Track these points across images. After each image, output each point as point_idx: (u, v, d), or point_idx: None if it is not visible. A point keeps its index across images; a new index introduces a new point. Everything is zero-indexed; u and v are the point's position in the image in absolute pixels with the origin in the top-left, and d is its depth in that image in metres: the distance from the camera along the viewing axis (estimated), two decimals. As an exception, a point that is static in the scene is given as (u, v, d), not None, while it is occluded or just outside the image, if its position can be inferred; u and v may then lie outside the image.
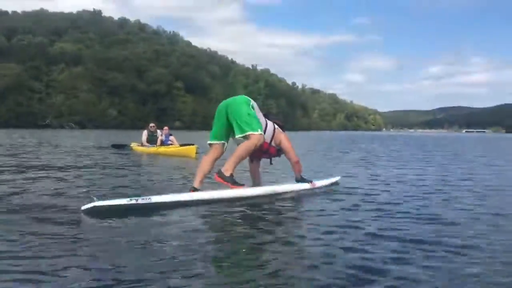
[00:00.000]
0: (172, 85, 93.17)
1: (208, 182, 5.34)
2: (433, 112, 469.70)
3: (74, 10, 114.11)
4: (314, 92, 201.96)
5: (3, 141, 19.11)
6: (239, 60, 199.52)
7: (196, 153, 11.10)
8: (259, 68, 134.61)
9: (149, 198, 4.02)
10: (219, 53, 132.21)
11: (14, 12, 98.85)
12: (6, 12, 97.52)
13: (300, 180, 5.55)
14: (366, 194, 5.13)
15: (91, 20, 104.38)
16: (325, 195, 5.16)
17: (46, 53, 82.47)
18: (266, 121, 5.25)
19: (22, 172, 6.86)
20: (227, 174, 4.78)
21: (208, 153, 5.17)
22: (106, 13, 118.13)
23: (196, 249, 2.75)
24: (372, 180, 6.66)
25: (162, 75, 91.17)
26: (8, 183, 5.47)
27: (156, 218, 3.65)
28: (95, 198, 3.80)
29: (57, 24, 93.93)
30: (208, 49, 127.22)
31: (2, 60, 75.46)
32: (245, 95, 5.34)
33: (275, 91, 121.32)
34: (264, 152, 5.28)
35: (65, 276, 2.25)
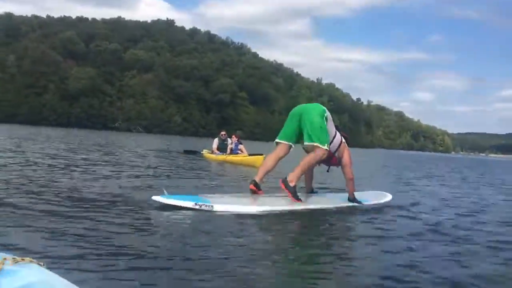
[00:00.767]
0: (236, 95, 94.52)
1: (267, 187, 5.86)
2: (506, 136, 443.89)
3: (149, 19, 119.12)
4: (380, 108, 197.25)
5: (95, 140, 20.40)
6: (305, 73, 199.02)
7: None
8: (324, 82, 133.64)
9: (212, 206, 4.37)
10: (285, 65, 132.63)
11: (94, 19, 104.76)
12: (86, 19, 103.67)
13: (352, 200, 5.54)
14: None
15: (164, 29, 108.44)
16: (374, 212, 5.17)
17: (120, 59, 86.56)
18: (336, 132, 5.54)
19: (108, 167, 8.06)
20: (292, 184, 5.06)
21: (273, 152, 5.48)
22: (179, 23, 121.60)
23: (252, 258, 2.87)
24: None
25: (227, 85, 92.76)
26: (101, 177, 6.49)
27: (215, 221, 3.92)
28: (165, 191, 4.36)
29: (132, 31, 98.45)
30: (274, 61, 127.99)
31: (80, 64, 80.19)
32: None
33: (339, 105, 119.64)
34: (326, 159, 5.44)
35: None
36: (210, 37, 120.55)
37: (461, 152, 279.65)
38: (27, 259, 1.10)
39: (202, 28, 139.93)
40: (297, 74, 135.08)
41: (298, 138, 5.44)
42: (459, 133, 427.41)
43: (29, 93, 73.65)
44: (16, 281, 0.98)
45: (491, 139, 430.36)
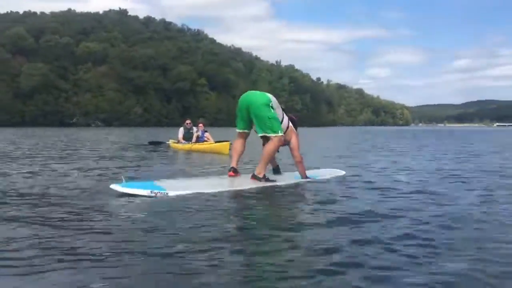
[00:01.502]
0: (196, 82, 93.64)
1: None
2: (462, 106, 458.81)
3: (101, 10, 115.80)
4: (340, 87, 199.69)
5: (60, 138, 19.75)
6: (264, 56, 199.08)
7: (230, 149, 11.00)
8: (283, 64, 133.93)
9: (167, 193, 4.47)
10: (243, 49, 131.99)
11: (42, 13, 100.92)
12: (34, 13, 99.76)
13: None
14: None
15: (117, 20, 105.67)
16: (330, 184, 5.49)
17: (73, 52, 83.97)
18: (283, 115, 5.77)
19: (70, 163, 7.99)
20: (261, 176, 5.41)
21: (238, 138, 5.89)
22: (133, 12, 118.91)
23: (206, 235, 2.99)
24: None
25: (186, 73, 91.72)
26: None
27: (173, 204, 4.08)
28: (123, 180, 4.55)
29: (83, 24, 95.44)
30: (232, 46, 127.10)
31: (30, 60, 77.32)
32: (269, 91, 6.02)
33: (300, 87, 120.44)
34: None
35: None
36: (165, 25, 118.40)
37: (420, 124, 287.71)
38: None
39: (158, 16, 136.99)
40: (257, 58, 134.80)
41: (252, 125, 5.73)
42: (417, 106, 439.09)
43: (-21, 94, 70.58)
44: None
45: (447, 109, 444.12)
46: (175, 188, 4.62)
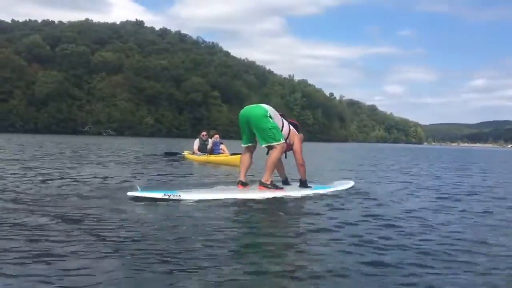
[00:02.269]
0: (209, 94, 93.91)
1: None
2: (477, 125, 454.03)
3: (118, 21, 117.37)
4: (353, 103, 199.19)
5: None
6: (278, 71, 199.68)
7: None
8: (296, 78, 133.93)
9: (179, 195, 4.87)
10: (257, 63, 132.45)
11: (60, 22, 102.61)
12: (52, 22, 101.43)
13: (304, 183, 6.08)
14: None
15: (133, 31, 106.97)
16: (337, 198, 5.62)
17: (88, 61, 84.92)
18: (282, 121, 5.98)
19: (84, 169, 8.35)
20: (268, 183, 5.70)
21: (244, 152, 6.10)
22: (150, 24, 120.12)
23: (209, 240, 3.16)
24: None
25: (199, 85, 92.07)
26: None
27: (183, 209, 4.40)
28: (138, 188, 4.89)
29: (100, 34, 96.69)
30: (245, 59, 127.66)
31: (46, 68, 78.36)
32: (281, 105, 6.20)
33: (312, 101, 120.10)
34: None
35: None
36: (180, 37, 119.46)
37: (433, 143, 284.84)
38: None
39: (175, 28, 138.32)
40: (270, 72, 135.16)
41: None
42: (431, 124, 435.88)
43: (-5, 100, 71.55)
44: None
45: (462, 128, 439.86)
46: (188, 195, 4.96)
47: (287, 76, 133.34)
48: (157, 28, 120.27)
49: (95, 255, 2.72)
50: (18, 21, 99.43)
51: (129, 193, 4.86)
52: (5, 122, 69.47)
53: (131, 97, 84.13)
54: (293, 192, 5.79)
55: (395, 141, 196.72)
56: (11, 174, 7.22)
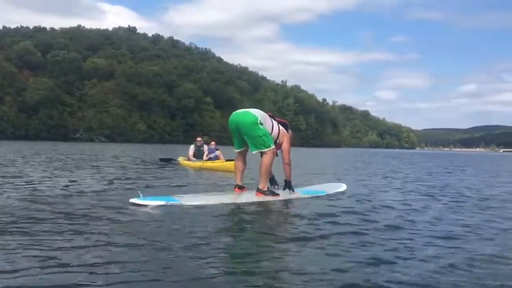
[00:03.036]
0: (201, 100, 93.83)
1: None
2: (469, 130, 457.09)
3: (111, 27, 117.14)
4: (346, 108, 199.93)
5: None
6: (271, 77, 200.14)
7: None
8: (289, 84, 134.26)
9: (180, 203, 4.96)
10: (250, 69, 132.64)
11: (52, 29, 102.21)
12: (44, 29, 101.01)
13: (287, 185, 6.16)
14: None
15: (125, 37, 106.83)
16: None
17: (79, 68, 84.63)
18: (272, 122, 6.04)
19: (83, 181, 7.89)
20: (265, 189, 5.80)
21: (237, 157, 6.22)
22: (143, 31, 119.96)
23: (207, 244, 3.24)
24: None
25: (191, 90, 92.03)
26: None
27: (183, 214, 4.47)
28: (140, 195, 5.04)
29: (91, 40, 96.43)
30: (238, 65, 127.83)
31: (37, 74, 78.01)
32: (274, 111, 6.52)
33: (305, 107, 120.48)
34: None
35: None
36: (173, 43, 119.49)
37: (426, 148, 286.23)
38: None
39: (168, 35, 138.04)
40: (262, 78, 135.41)
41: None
42: (424, 129, 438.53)
43: (-15, 107, 71.07)
44: None
45: (454, 133, 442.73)
46: (188, 200, 5.09)
47: (280, 82, 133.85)
48: (149, 34, 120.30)
49: (97, 260, 2.78)
50: (9, 28, 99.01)
51: (131, 200, 4.99)
52: (-5, 129, 69.03)
53: (123, 104, 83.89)
54: (288, 196, 5.93)
55: (388, 146, 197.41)
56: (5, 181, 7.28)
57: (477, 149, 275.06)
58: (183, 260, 2.80)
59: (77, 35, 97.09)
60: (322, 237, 3.57)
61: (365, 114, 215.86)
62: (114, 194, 5.95)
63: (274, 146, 5.84)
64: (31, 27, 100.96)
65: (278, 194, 5.85)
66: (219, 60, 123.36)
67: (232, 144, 6.34)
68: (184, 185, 7.51)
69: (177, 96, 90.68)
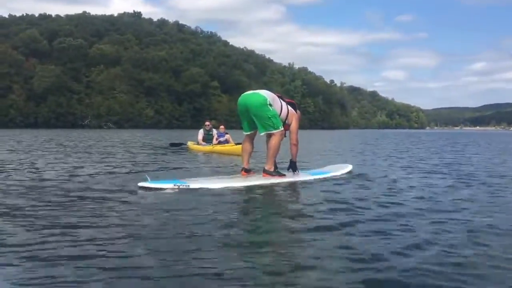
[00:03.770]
0: (208, 84, 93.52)
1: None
2: (479, 109, 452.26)
3: (116, 13, 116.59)
4: (354, 89, 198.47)
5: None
6: (279, 59, 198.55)
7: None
8: (296, 66, 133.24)
9: (188, 185, 5.04)
10: (256, 52, 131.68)
11: (57, 16, 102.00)
12: (49, 16, 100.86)
13: (294, 164, 6.16)
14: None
15: (131, 22, 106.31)
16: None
17: (85, 55, 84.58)
18: (281, 103, 6.03)
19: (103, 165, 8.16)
20: (271, 170, 5.85)
21: (245, 140, 6.20)
22: (149, 16, 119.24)
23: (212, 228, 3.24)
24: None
25: (198, 75, 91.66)
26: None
27: (191, 197, 4.52)
28: (148, 178, 5.07)
29: (97, 26, 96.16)
30: (244, 48, 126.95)
31: (43, 62, 78.13)
32: (282, 93, 6.43)
33: (312, 89, 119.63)
34: None
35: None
36: (179, 28, 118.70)
37: (436, 127, 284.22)
38: None
39: (174, 19, 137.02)
40: (269, 60, 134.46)
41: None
42: (433, 109, 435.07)
43: (-7, 96, 71.53)
44: None
45: (464, 112, 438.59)
46: (196, 183, 5.15)
47: (287, 65, 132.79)
48: (155, 19, 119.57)
49: (108, 241, 2.85)
50: (15, 16, 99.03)
51: (140, 184, 5.04)
52: (4, 117, 69.53)
53: (130, 89, 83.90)
54: (295, 178, 5.93)
55: (397, 126, 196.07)
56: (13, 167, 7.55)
57: (488, 128, 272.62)
58: (189, 243, 2.81)
59: (83, 21, 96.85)
60: (329, 218, 3.55)
61: (374, 95, 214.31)
62: (124, 178, 6.03)
63: (282, 128, 5.84)
64: (36, 15, 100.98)
65: (284, 175, 5.87)
66: (225, 43, 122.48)
67: (240, 127, 6.35)
68: (193, 169, 7.58)
69: (184, 81, 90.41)
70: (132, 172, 6.81)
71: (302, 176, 6.06)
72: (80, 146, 15.71)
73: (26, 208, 3.88)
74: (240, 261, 2.49)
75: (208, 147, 12.85)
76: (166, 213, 3.74)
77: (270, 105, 5.78)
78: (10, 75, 73.12)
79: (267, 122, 5.75)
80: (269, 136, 5.89)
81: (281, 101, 6.09)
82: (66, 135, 31.31)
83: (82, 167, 7.58)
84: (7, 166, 7.69)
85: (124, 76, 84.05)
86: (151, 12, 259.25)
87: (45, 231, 3.09)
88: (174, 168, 7.72)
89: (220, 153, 11.87)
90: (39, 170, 7.08)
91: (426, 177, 6.58)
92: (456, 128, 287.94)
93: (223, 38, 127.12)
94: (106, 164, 8.20)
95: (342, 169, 6.71)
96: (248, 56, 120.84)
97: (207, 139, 13.50)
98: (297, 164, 6.31)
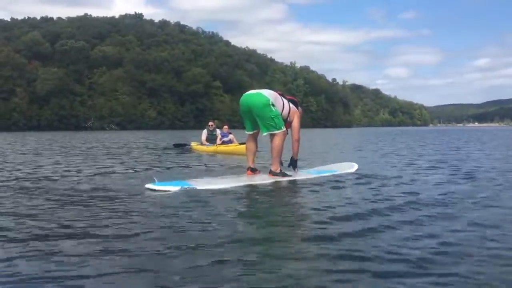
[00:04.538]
0: (210, 84, 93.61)
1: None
2: (482, 105, 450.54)
3: (117, 15, 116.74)
4: (356, 87, 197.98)
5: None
6: (281, 58, 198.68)
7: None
8: (298, 65, 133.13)
9: (195, 187, 5.02)
10: (258, 51, 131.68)
11: (59, 18, 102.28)
12: (51, 19, 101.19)
13: (293, 163, 6.18)
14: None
15: (132, 24, 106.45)
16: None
17: (87, 56, 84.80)
18: (283, 101, 6.05)
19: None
20: (278, 171, 5.86)
21: (249, 139, 6.23)
22: (150, 17, 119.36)
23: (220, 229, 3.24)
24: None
25: (200, 75, 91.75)
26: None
27: (198, 198, 4.48)
28: (156, 180, 5.09)
29: (99, 28, 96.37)
30: (246, 48, 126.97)
31: (45, 64, 78.35)
32: (284, 93, 6.36)
33: (315, 88, 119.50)
34: None
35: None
36: (180, 28, 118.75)
37: (439, 124, 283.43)
38: None
39: (175, 20, 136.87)
40: (271, 60, 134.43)
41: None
42: (436, 106, 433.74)
43: (-4, 99, 71.79)
44: None
45: (468, 109, 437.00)
46: (202, 185, 5.15)
47: (289, 64, 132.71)
48: (156, 20, 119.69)
49: (117, 240, 2.88)
50: (17, 19, 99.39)
51: (147, 185, 5.08)
52: (8, 120, 69.80)
53: (132, 91, 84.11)
54: (301, 177, 5.96)
55: (400, 124, 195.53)
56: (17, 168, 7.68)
57: (492, 124, 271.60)
58: (197, 243, 2.83)
59: (84, 23, 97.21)
60: (336, 218, 3.55)
61: (376, 93, 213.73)
62: (130, 179, 6.06)
63: (284, 129, 5.88)
64: (38, 18, 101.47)
65: (290, 176, 5.89)
66: (227, 43, 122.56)
67: (243, 127, 6.36)
68: (198, 170, 7.58)
69: (186, 82, 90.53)
70: (137, 174, 6.85)
71: (307, 175, 6.08)
72: (84, 147, 15.79)
73: (32, 208, 3.93)
74: (249, 260, 2.50)
75: (212, 148, 12.77)
76: (174, 213, 3.77)
77: (273, 105, 5.80)
78: (13, 78, 73.42)
79: (270, 122, 5.78)
80: (272, 136, 5.91)
81: (283, 99, 6.10)
82: (71, 136, 31.44)
83: (88, 168, 7.65)
84: (13, 166, 7.81)
85: (126, 77, 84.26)
86: (153, 13, 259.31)
87: (52, 230, 3.15)
88: (179, 169, 7.76)
89: (224, 153, 11.79)
90: (44, 171, 7.15)
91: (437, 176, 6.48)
92: (459, 125, 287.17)
93: (225, 38, 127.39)
94: (111, 165, 8.27)
95: (348, 168, 6.71)
96: (250, 55, 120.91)
97: (211, 139, 13.41)
98: (301, 162, 6.31)
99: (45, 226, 3.27)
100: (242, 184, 5.36)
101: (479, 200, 4.29)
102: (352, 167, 6.77)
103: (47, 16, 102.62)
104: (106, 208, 3.96)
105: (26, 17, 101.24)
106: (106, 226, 3.31)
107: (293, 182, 5.68)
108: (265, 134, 5.93)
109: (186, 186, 5.05)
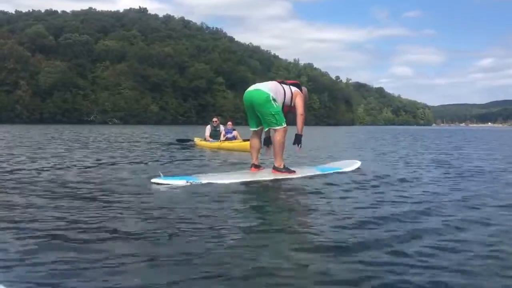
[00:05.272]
0: (213, 80, 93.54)
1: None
2: (486, 105, 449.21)
3: (121, 9, 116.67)
4: (360, 86, 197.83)
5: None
6: (285, 55, 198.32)
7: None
8: (301, 62, 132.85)
9: (200, 182, 5.10)
10: (262, 48, 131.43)
11: (63, 12, 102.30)
12: (55, 12, 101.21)
13: (297, 139, 6.11)
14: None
15: (137, 18, 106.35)
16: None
17: (91, 50, 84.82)
18: (283, 89, 6.03)
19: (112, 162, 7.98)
20: (281, 167, 5.87)
21: (253, 136, 6.27)
22: (154, 12, 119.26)
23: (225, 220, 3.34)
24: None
25: (203, 71, 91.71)
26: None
27: (203, 191, 4.56)
28: (161, 174, 5.19)
29: (103, 22, 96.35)
30: (250, 44, 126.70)
31: (49, 58, 78.39)
32: (284, 79, 6.32)
33: (318, 85, 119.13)
34: (287, 112, 6.11)
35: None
36: (184, 24, 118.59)
37: (442, 124, 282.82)
38: None
39: (180, 15, 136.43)
40: (275, 56, 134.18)
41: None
42: (440, 105, 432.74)
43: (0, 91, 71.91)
44: None
45: (471, 109, 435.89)
46: (207, 180, 5.20)
47: (292, 61, 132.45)
48: (160, 15, 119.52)
49: (120, 239, 2.86)
50: (21, 12, 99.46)
51: (153, 180, 5.13)
52: (11, 113, 69.91)
53: (135, 85, 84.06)
54: (304, 174, 5.98)
55: (403, 123, 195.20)
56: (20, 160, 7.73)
57: (495, 124, 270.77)
58: (202, 238, 2.85)
59: (89, 17, 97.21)
60: (341, 213, 3.55)
61: (380, 91, 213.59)
62: (135, 173, 6.10)
63: (285, 125, 5.89)
64: (42, 11, 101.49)
65: (294, 171, 5.91)
66: (231, 39, 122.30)
67: (246, 123, 6.37)
68: (202, 165, 7.60)
69: (189, 77, 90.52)
70: (142, 168, 6.89)
71: (310, 172, 6.12)
72: (88, 141, 15.79)
73: (36, 203, 3.92)
74: (254, 257, 2.49)
75: (215, 144, 12.70)
76: (180, 207, 3.79)
77: (274, 100, 5.82)
78: (17, 71, 73.44)
79: (270, 118, 5.82)
80: (273, 132, 5.97)
81: (283, 86, 6.09)
82: (76, 130, 31.42)
83: (93, 162, 7.67)
84: (16, 161, 7.78)
85: (129, 72, 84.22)
86: (157, 8, 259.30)
87: (58, 223, 3.16)
88: (184, 164, 7.75)
89: (228, 150, 11.72)
90: (49, 164, 7.13)
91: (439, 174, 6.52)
92: (462, 124, 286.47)
93: (229, 34, 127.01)
94: (116, 159, 8.31)
95: (351, 166, 6.73)
96: (254, 52, 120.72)
97: (214, 135, 13.36)
98: (304, 159, 6.26)
99: (49, 219, 3.28)
100: (246, 180, 5.42)
101: (482, 198, 4.31)
102: (354, 165, 6.81)
103: (51, 9, 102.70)
104: (112, 202, 4.00)
105: (31, 10, 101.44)
106: (114, 217, 3.35)
107: (296, 178, 5.70)
108: (266, 129, 6.03)
109: (191, 181, 5.12)
